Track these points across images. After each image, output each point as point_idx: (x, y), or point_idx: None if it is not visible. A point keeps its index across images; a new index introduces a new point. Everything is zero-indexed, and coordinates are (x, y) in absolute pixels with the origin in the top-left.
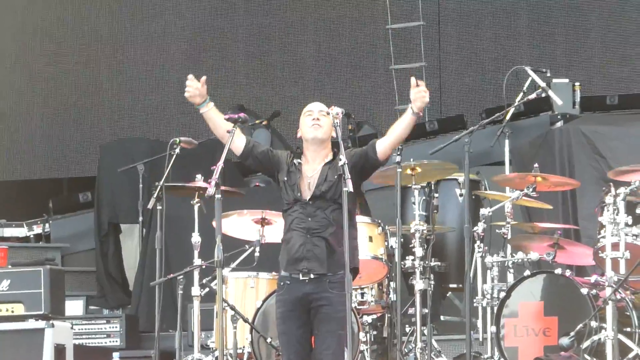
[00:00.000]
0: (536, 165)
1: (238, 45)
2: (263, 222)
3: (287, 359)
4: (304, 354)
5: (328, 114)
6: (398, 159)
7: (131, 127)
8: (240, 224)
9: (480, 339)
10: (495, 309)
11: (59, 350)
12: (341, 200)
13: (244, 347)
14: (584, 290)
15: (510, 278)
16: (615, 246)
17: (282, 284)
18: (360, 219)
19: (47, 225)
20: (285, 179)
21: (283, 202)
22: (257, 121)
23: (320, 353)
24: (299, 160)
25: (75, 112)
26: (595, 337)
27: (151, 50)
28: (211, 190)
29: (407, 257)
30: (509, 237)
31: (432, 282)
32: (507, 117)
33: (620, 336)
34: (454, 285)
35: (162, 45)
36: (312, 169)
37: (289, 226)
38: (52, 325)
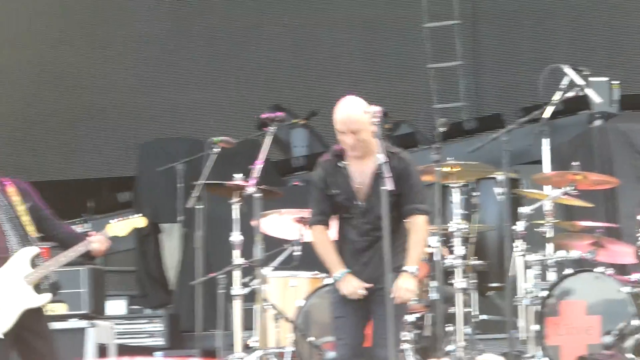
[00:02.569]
0: (576, 163)
1: (276, 43)
2: (302, 221)
3: (344, 343)
4: (358, 339)
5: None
6: (437, 157)
7: (170, 126)
8: (279, 223)
9: (522, 338)
10: (537, 307)
11: (102, 350)
12: (394, 198)
13: (285, 346)
14: (626, 289)
15: (551, 277)
16: None
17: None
18: None
19: (86, 225)
20: (336, 191)
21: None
22: (294, 120)
23: (377, 335)
24: (343, 163)
25: (115, 112)
26: (638, 336)
27: (191, 50)
28: (250, 189)
29: (447, 256)
30: (550, 235)
31: (474, 281)
32: (546, 116)
33: None
34: (495, 284)
35: (203, 45)
36: (359, 171)
37: (346, 226)
38: (93, 325)
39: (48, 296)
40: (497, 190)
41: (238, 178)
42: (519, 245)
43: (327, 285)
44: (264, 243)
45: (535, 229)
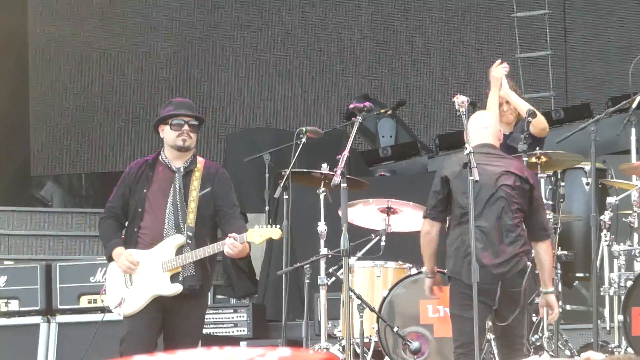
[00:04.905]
0: None
1: (363, 33)
2: (389, 211)
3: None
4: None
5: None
6: (524, 147)
7: (257, 117)
8: (365, 213)
9: (608, 328)
10: (623, 297)
11: None
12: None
13: (370, 336)
14: None
15: (638, 267)
16: None
17: None
18: None
19: None
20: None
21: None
22: (382, 110)
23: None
24: None
25: (201, 101)
26: None
27: (275, 40)
28: (337, 179)
29: None
30: (636, 225)
31: (559, 272)
32: (634, 106)
33: None
34: (581, 274)
35: (286, 34)
36: None
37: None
38: (48, 321)
39: (179, 287)
40: (585, 180)
41: (324, 168)
42: (606, 235)
43: (411, 275)
44: (349, 233)
45: (622, 219)
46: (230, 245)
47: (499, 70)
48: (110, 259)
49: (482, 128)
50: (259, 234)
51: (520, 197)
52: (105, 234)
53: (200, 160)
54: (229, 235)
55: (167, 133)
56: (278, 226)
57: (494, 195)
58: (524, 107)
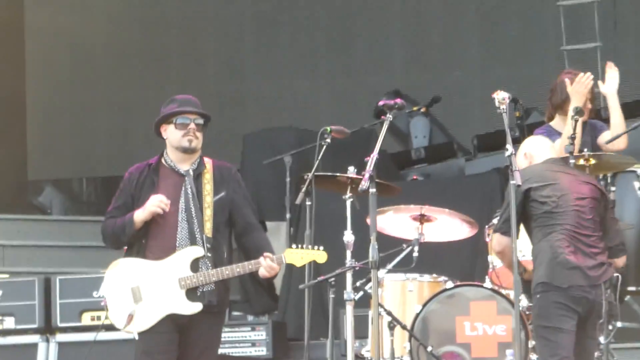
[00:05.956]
0: None
1: (393, 26)
2: (422, 219)
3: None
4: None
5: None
6: (570, 148)
7: (277, 115)
8: (397, 221)
9: None
10: None
11: None
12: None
13: (402, 356)
14: None
15: None
16: None
17: None
18: None
19: None
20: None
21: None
22: (414, 108)
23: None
24: None
25: (217, 100)
26: None
27: (298, 35)
28: (365, 184)
29: None
30: None
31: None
32: None
33: None
34: (633, 288)
35: (309, 29)
36: None
37: None
38: (47, 340)
39: (199, 306)
40: (637, 185)
41: (351, 171)
42: None
43: (447, 289)
44: (379, 243)
45: None
46: (267, 267)
47: (584, 85)
48: (134, 229)
49: (550, 148)
50: (301, 255)
51: (600, 208)
52: (114, 225)
53: (208, 161)
54: (265, 255)
55: (170, 133)
56: (322, 248)
57: (577, 199)
58: (618, 124)
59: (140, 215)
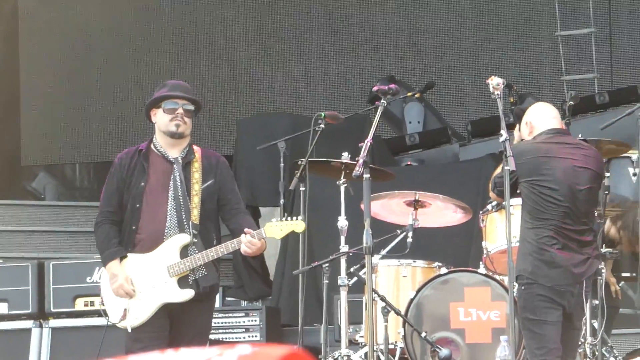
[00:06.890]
0: None
1: (387, 11)
2: (416, 204)
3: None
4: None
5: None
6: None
7: (271, 100)
8: (391, 207)
9: None
10: None
11: None
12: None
13: (396, 342)
14: None
15: None
16: None
17: None
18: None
19: None
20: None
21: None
22: (409, 94)
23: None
24: None
25: (210, 85)
26: None
27: (291, 18)
28: (359, 169)
29: None
30: None
31: (604, 271)
32: None
33: None
34: (627, 274)
35: (303, 13)
36: None
37: None
38: (40, 325)
39: (190, 293)
40: (632, 170)
41: (345, 157)
42: None
43: (441, 275)
44: (373, 229)
45: None
46: (247, 243)
47: None
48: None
49: (552, 118)
50: (280, 227)
51: (594, 197)
52: (102, 242)
53: (197, 149)
54: (245, 231)
55: (159, 117)
56: (300, 217)
57: (569, 194)
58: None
59: (111, 277)
